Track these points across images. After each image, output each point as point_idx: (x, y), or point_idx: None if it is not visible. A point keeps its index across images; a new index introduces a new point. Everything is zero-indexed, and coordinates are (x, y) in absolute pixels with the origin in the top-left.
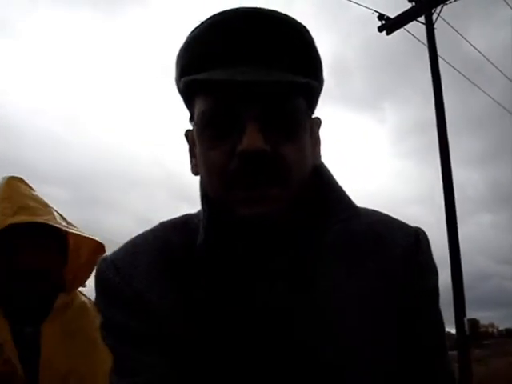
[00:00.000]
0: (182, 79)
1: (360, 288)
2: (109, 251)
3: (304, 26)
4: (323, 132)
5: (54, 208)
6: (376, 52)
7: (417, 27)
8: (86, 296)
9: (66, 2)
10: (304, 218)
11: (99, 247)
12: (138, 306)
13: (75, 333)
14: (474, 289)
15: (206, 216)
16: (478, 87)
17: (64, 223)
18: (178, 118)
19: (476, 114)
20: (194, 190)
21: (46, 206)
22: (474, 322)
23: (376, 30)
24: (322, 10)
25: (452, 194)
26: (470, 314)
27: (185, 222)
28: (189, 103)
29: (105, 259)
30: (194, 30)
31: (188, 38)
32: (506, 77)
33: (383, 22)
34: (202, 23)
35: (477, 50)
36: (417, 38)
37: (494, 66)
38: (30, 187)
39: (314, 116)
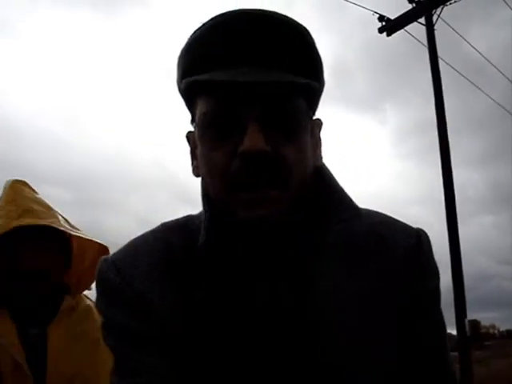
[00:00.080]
0: (184, 80)
1: (360, 288)
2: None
3: (305, 28)
4: (324, 133)
5: (58, 211)
6: (376, 53)
7: (417, 28)
8: (90, 299)
9: (65, 2)
10: (305, 218)
11: (103, 250)
12: (138, 306)
13: (80, 336)
14: (475, 289)
15: (208, 217)
16: (479, 88)
17: (68, 226)
18: (179, 119)
19: (476, 114)
20: (194, 192)
21: (50, 209)
22: (475, 323)
23: (376, 31)
24: (322, 11)
25: (453, 195)
26: (471, 314)
27: (186, 223)
28: (190, 105)
29: (106, 260)
30: (195, 32)
31: (189, 39)
32: (507, 78)
33: (383, 23)
34: (204, 25)
35: (477, 50)
36: (417, 40)
37: (495, 66)
38: (33, 190)
39: (315, 117)
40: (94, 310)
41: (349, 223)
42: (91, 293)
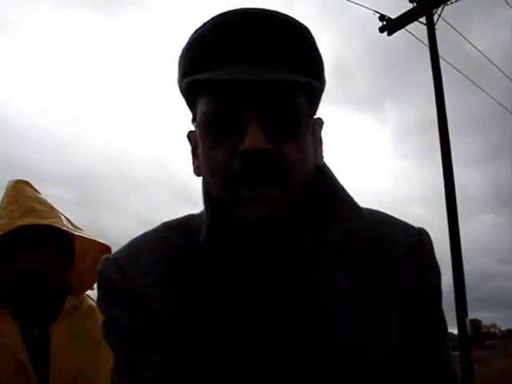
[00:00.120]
0: (184, 80)
1: (361, 287)
2: None
3: (305, 27)
4: (324, 132)
5: (60, 211)
6: (377, 53)
7: (418, 28)
8: (92, 299)
9: (66, 2)
10: (306, 217)
11: (106, 250)
12: (139, 305)
13: (83, 335)
14: (476, 289)
15: (209, 216)
16: (480, 87)
17: (71, 226)
18: (180, 118)
19: (477, 114)
20: (195, 191)
21: (53, 208)
22: (476, 323)
23: (377, 30)
24: (323, 10)
25: (453, 194)
26: (472, 314)
27: (187, 222)
28: (191, 104)
29: (107, 258)
30: (196, 31)
31: (190, 38)
32: (507, 77)
33: (384, 22)
34: (204, 24)
35: (478, 50)
36: (418, 39)
37: (496, 66)
38: (36, 190)
39: (316, 117)
40: (97, 309)
41: (349, 222)
42: (94, 293)
